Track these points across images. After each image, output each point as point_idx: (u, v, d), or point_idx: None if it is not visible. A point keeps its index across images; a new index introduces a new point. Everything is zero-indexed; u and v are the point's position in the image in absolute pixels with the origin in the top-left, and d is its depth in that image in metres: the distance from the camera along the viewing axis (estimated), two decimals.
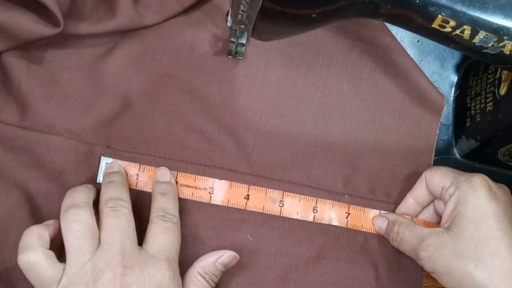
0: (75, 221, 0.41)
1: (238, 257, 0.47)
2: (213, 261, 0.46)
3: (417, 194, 0.50)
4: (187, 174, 0.49)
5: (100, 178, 0.48)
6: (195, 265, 0.46)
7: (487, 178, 0.45)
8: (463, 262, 0.42)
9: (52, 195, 0.47)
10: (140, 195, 0.49)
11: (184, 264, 0.49)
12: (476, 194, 0.44)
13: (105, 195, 0.44)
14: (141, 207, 0.49)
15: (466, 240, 0.43)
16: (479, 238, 0.42)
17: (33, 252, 0.40)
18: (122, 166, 0.48)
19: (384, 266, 0.51)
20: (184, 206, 0.49)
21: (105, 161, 0.48)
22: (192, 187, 0.49)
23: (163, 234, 0.43)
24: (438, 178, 0.48)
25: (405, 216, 0.50)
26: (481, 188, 0.44)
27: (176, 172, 0.49)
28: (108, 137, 0.49)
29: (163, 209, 0.45)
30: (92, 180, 0.48)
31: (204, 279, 0.45)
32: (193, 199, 0.49)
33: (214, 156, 0.51)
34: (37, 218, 0.47)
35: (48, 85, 0.48)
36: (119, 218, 0.42)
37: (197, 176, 0.49)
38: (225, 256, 0.46)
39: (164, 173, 0.48)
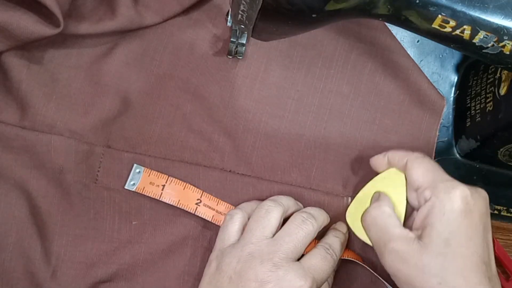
0: (266, 211, 0.46)
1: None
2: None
3: (395, 161, 0.47)
4: (211, 197, 0.49)
5: (128, 185, 0.48)
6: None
7: (466, 189, 0.42)
8: (427, 278, 0.40)
9: (52, 195, 0.47)
10: (138, 196, 0.49)
11: (182, 264, 0.49)
12: (452, 207, 0.41)
13: (306, 209, 0.48)
14: (140, 207, 0.49)
15: (434, 255, 0.41)
16: (447, 255, 0.40)
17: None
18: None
19: (384, 268, 0.51)
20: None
21: (137, 170, 0.48)
22: (214, 209, 0.49)
23: (320, 259, 0.45)
24: (419, 173, 0.45)
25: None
26: (459, 202, 0.41)
27: (201, 192, 0.49)
28: (108, 137, 0.49)
29: (330, 244, 0.47)
30: (92, 179, 0.48)
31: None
32: (213, 221, 0.49)
33: (214, 157, 0.50)
34: (37, 218, 0.47)
35: (48, 85, 0.48)
36: (302, 229, 0.45)
37: (220, 200, 0.49)
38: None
39: (342, 226, 0.50)
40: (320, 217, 0.48)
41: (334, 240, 0.48)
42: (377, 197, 0.46)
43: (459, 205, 0.41)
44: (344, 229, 0.50)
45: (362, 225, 0.46)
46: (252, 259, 0.43)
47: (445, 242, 0.40)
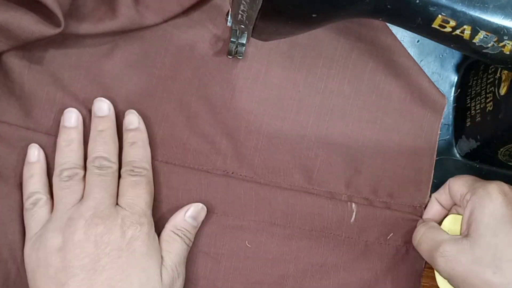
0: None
1: (205, 208, 0.48)
2: (181, 216, 0.47)
3: (441, 198, 0.51)
4: None
5: None
6: (166, 225, 0.47)
7: (503, 184, 0.45)
8: (481, 269, 0.42)
9: (52, 195, 0.47)
10: None
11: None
12: (492, 200, 0.44)
13: (94, 153, 0.45)
14: None
15: (484, 247, 0.43)
16: (497, 245, 0.42)
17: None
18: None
19: (383, 272, 0.51)
20: None
21: None
22: None
23: (131, 189, 0.45)
24: (458, 184, 0.48)
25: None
26: (497, 194, 0.44)
27: None
28: None
29: (131, 163, 0.46)
30: None
31: (177, 235, 0.46)
32: None
33: (217, 159, 0.50)
34: None
35: (50, 85, 0.48)
36: (103, 176, 0.44)
37: None
38: (192, 209, 0.47)
39: (132, 120, 0.47)
40: None
41: (132, 154, 0.46)
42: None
43: (498, 197, 0.44)
44: (135, 123, 0.48)
45: (416, 247, 0.48)
46: (74, 222, 0.43)
47: (492, 233, 0.43)
